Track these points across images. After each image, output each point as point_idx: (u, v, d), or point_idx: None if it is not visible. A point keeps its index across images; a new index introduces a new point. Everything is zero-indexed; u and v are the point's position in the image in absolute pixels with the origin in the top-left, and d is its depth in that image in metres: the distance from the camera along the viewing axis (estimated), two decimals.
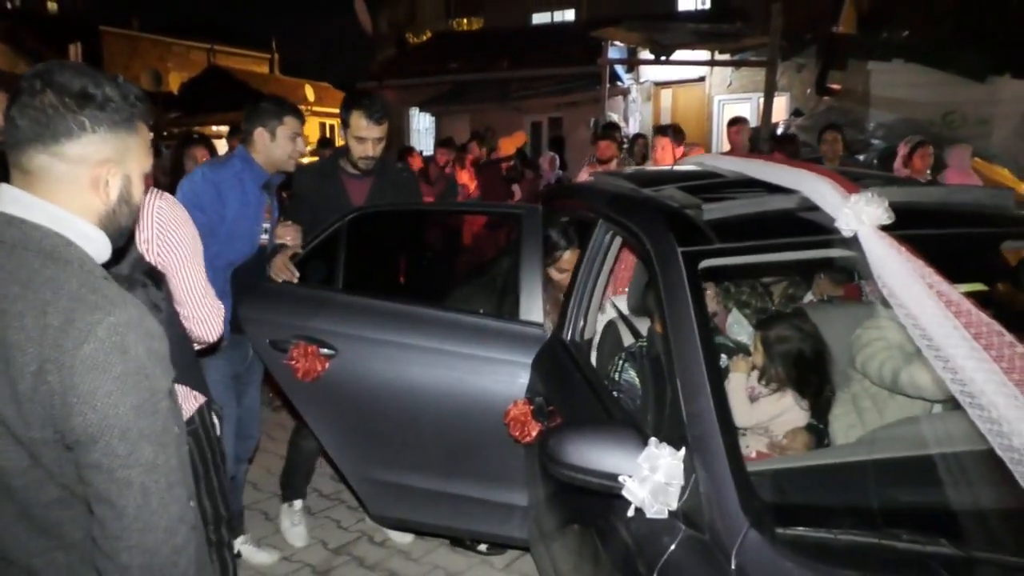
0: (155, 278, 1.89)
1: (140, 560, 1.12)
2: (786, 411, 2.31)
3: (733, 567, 1.36)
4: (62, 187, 1.18)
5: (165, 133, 16.86)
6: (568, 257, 2.86)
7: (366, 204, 3.24)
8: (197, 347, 2.23)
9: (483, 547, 3.31)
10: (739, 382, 2.35)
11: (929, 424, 1.92)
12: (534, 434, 2.33)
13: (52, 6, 30.88)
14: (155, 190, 2.09)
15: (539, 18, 18.87)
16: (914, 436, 1.87)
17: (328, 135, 18.76)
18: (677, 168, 3.23)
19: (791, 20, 8.81)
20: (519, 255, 2.79)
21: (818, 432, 2.31)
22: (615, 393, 2.30)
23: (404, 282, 3.57)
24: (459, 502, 2.76)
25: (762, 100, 9.10)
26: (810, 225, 1.88)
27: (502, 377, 2.59)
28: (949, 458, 1.53)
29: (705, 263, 1.88)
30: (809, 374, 2.29)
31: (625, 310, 2.82)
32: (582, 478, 1.62)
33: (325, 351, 2.75)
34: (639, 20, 11.77)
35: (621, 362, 2.45)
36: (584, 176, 5.28)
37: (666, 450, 1.54)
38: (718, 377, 1.68)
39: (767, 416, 2.32)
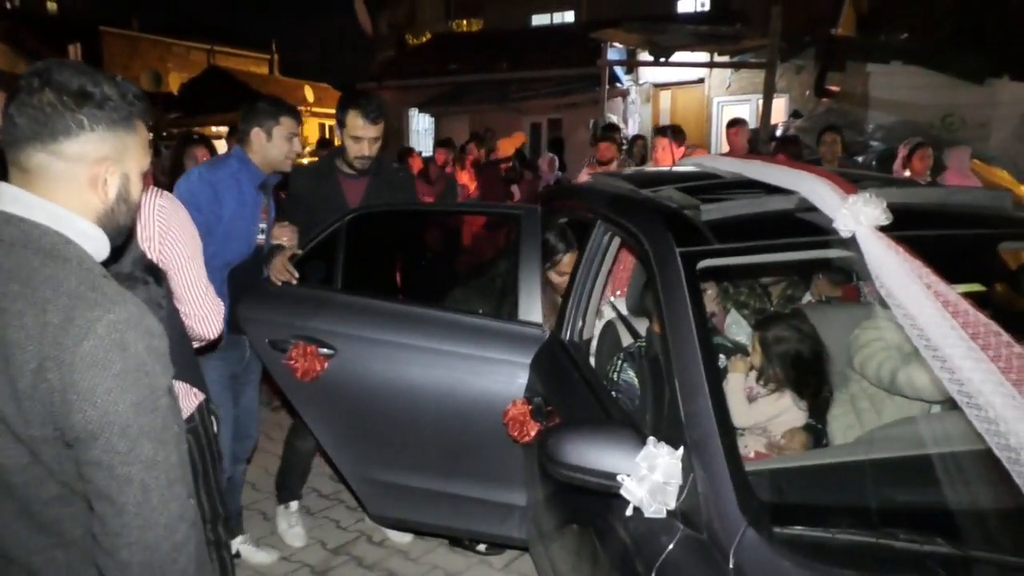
0: (156, 276, 1.90)
1: (140, 557, 1.12)
2: (784, 411, 2.31)
3: (731, 566, 1.36)
4: (61, 185, 1.19)
5: (165, 133, 16.86)
6: (567, 260, 2.87)
7: (362, 204, 3.24)
8: (196, 345, 2.24)
9: (482, 547, 3.31)
10: (737, 382, 2.36)
11: (926, 424, 1.93)
12: (533, 434, 2.34)
13: (52, 6, 30.88)
14: (156, 189, 2.10)
15: (539, 19, 18.90)
16: (911, 436, 1.87)
17: (328, 136, 18.75)
18: (675, 169, 3.24)
19: (790, 22, 8.83)
20: (518, 256, 2.79)
21: (816, 432, 2.32)
22: (614, 393, 2.30)
23: (403, 282, 3.57)
24: (458, 502, 2.76)
25: (761, 102, 9.12)
26: (808, 226, 1.88)
27: (501, 377, 2.59)
28: (946, 458, 1.53)
29: (703, 263, 1.89)
30: (807, 375, 2.30)
31: (624, 311, 2.83)
32: (580, 477, 1.62)
33: (324, 351, 2.75)
34: (638, 22, 11.78)
35: (620, 362, 2.45)
36: (584, 177, 5.28)
37: (664, 449, 1.55)
38: (716, 377, 1.68)
39: (765, 416, 2.32)
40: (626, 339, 2.63)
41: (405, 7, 19.49)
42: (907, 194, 2.13)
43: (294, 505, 3.48)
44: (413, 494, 2.82)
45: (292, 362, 2.74)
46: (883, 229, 1.61)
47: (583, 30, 13.74)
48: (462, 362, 2.65)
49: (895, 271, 1.50)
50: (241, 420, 3.13)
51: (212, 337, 2.24)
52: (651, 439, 1.57)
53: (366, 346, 2.76)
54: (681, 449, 1.55)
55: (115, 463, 1.10)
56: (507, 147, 10.11)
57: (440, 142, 9.92)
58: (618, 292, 3.03)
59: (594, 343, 2.70)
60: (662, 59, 11.39)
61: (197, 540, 1.20)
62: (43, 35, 23.24)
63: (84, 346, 1.08)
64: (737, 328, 2.90)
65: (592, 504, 1.81)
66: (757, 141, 7.99)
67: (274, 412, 4.74)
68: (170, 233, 2.05)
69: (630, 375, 2.41)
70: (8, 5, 28.43)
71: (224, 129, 12.12)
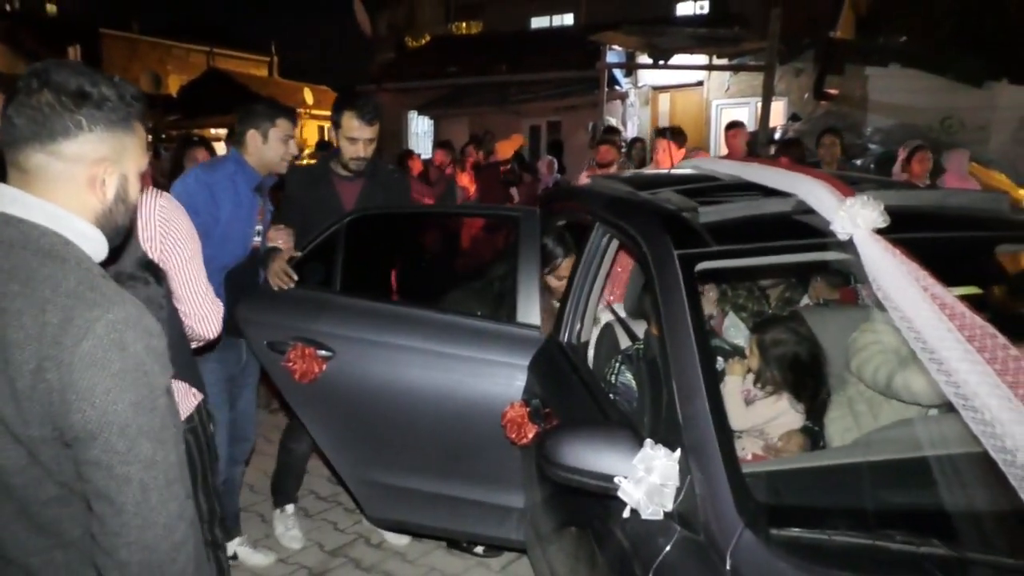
0: (157, 275, 1.92)
1: (139, 556, 1.12)
2: (781, 414, 2.32)
3: (728, 568, 1.36)
4: (59, 186, 1.19)
5: (164, 136, 16.88)
6: (565, 265, 2.87)
7: (356, 206, 3.24)
8: (194, 345, 2.25)
9: (480, 549, 3.31)
10: (735, 385, 2.36)
11: (923, 426, 1.93)
12: (531, 436, 2.34)
13: (51, 8, 30.89)
14: (156, 190, 2.12)
15: (538, 22, 18.92)
16: (908, 438, 1.87)
17: (327, 138, 18.77)
18: (674, 171, 3.25)
19: (789, 25, 8.83)
20: (517, 258, 2.79)
21: (813, 435, 2.32)
22: (611, 396, 2.31)
23: (402, 284, 3.57)
24: (456, 504, 2.76)
25: (760, 104, 9.12)
26: (806, 228, 1.89)
27: (499, 379, 2.59)
28: (943, 460, 1.54)
29: (701, 266, 1.89)
30: (804, 377, 2.30)
31: (622, 313, 2.83)
32: (578, 479, 1.63)
33: (323, 353, 2.75)
34: (637, 24, 11.81)
35: (618, 365, 2.46)
36: (584, 180, 5.29)
37: (661, 451, 1.55)
38: (714, 379, 1.68)
39: (762, 419, 2.32)
40: (624, 341, 2.64)
41: (404, 9, 19.51)
42: (904, 197, 2.13)
43: (290, 508, 3.48)
44: (411, 496, 2.82)
45: (290, 364, 2.74)
46: (881, 232, 1.62)
47: (582, 33, 13.75)
48: (460, 364, 2.66)
49: (892, 274, 1.50)
50: (239, 422, 3.13)
51: (211, 337, 2.25)
52: (648, 441, 1.57)
53: (365, 348, 2.76)
54: (678, 451, 1.56)
55: (114, 463, 1.10)
56: (505, 149, 10.11)
57: (439, 143, 9.93)
58: (611, 298, 3.03)
59: (592, 345, 2.71)
60: (661, 62, 11.41)
61: (196, 540, 1.20)
62: (42, 37, 23.27)
63: (83, 346, 1.08)
64: (735, 331, 2.91)
65: (590, 506, 1.82)
66: (756, 144, 7.99)
67: (272, 414, 4.74)
68: (171, 233, 2.06)
69: (628, 377, 2.41)
70: (8, 7, 28.44)
71: (223, 131, 12.14)
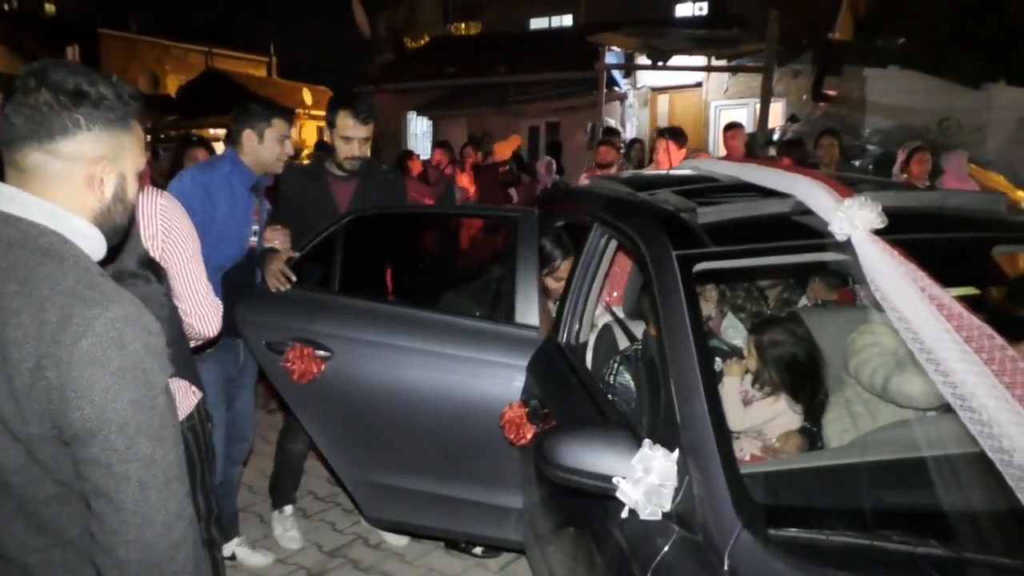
0: (158, 274, 1.93)
1: (138, 555, 1.12)
2: (779, 415, 2.32)
3: (726, 568, 1.36)
4: (57, 185, 1.19)
5: (163, 136, 16.87)
6: (564, 267, 2.87)
7: (351, 206, 3.24)
8: (193, 344, 2.25)
9: (478, 550, 3.31)
10: (733, 385, 2.36)
11: (921, 427, 1.93)
12: (529, 437, 2.34)
13: (50, 8, 30.86)
14: (156, 189, 2.13)
15: (537, 23, 18.94)
16: (906, 439, 1.88)
17: (326, 139, 18.73)
18: (672, 172, 3.25)
19: (788, 26, 8.84)
20: (515, 258, 2.79)
21: (811, 436, 2.32)
22: (610, 396, 2.31)
23: (400, 285, 3.58)
24: (455, 505, 2.76)
25: (758, 106, 9.12)
26: (804, 229, 1.89)
27: (498, 380, 2.59)
28: (940, 460, 1.54)
29: (700, 266, 1.90)
30: (802, 378, 2.30)
31: (620, 314, 2.83)
32: (576, 479, 1.63)
33: (321, 353, 2.75)
34: (636, 26, 11.81)
35: (616, 365, 2.46)
36: (584, 181, 5.30)
37: (660, 452, 1.55)
38: (712, 380, 1.69)
39: (760, 420, 2.33)
40: (623, 342, 2.64)
41: (403, 10, 19.52)
42: (902, 198, 2.14)
43: (288, 509, 3.48)
44: (410, 496, 2.82)
45: (289, 364, 2.74)
46: (878, 232, 1.62)
47: (581, 34, 13.77)
48: (459, 365, 2.66)
49: (890, 274, 1.50)
50: (237, 423, 3.13)
51: (211, 335, 2.26)
52: (647, 441, 1.57)
53: (363, 348, 2.76)
54: (676, 451, 1.56)
55: (113, 461, 1.10)
56: (503, 150, 10.10)
57: (437, 143, 9.94)
58: (609, 298, 3.03)
59: (591, 346, 2.71)
60: (660, 63, 11.40)
61: (194, 538, 1.20)
62: (41, 37, 23.25)
63: (82, 344, 1.08)
64: (734, 331, 2.91)
65: (588, 506, 1.82)
66: (754, 145, 8.00)
67: (270, 414, 4.74)
68: (173, 232, 2.08)
69: (626, 378, 2.42)
70: (6, 6, 28.42)
71: (222, 131, 12.14)
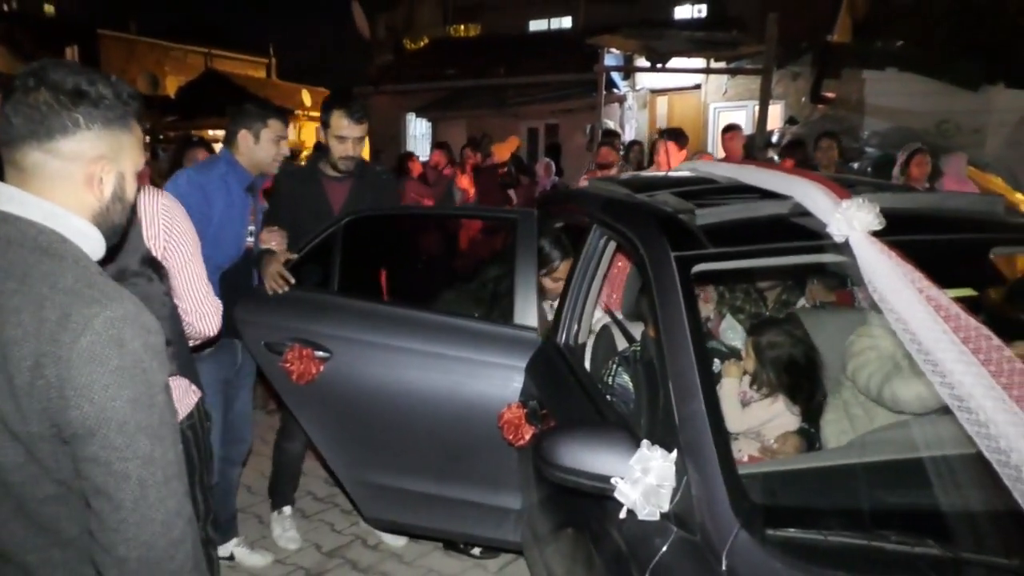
0: (159, 273, 1.94)
1: (137, 553, 1.12)
2: (777, 416, 2.32)
3: (724, 568, 1.37)
4: (56, 184, 1.19)
5: (162, 137, 16.86)
6: (562, 268, 2.88)
7: (345, 207, 3.24)
8: (192, 343, 2.26)
9: (477, 551, 3.31)
10: (731, 387, 2.37)
11: (918, 428, 1.94)
12: (528, 437, 2.34)
13: (49, 9, 30.83)
14: (157, 189, 2.14)
15: (536, 25, 18.93)
16: (903, 439, 1.88)
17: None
18: (671, 174, 3.25)
19: (786, 29, 8.84)
20: (514, 259, 2.80)
21: (809, 436, 2.33)
22: (609, 397, 2.31)
23: (399, 286, 3.58)
24: (453, 505, 2.76)
25: (757, 108, 9.13)
26: (802, 230, 1.90)
27: (496, 381, 2.59)
28: (938, 461, 1.54)
29: (698, 268, 1.90)
30: (800, 380, 2.31)
31: (619, 315, 2.84)
32: (575, 480, 1.63)
33: (320, 354, 2.76)
34: (636, 28, 11.82)
35: (615, 366, 2.46)
36: (584, 183, 5.30)
37: (658, 452, 1.55)
38: (710, 380, 1.69)
39: (758, 421, 2.33)
40: (621, 343, 2.64)
41: (403, 12, 19.52)
42: (900, 199, 2.14)
43: (287, 510, 3.48)
44: (408, 497, 2.82)
45: (288, 365, 2.74)
46: (876, 234, 1.63)
47: (580, 36, 13.77)
48: (458, 365, 2.66)
49: (888, 275, 1.51)
50: (235, 424, 3.13)
51: (211, 334, 2.26)
52: (645, 442, 1.58)
53: (362, 349, 2.77)
54: (675, 452, 1.56)
55: (112, 459, 1.10)
56: (501, 152, 10.11)
57: (436, 144, 9.95)
58: (608, 300, 3.03)
59: (589, 347, 2.71)
60: (659, 65, 11.41)
61: (194, 537, 1.20)
62: (40, 38, 23.22)
63: (81, 342, 1.09)
64: (732, 333, 2.92)
65: (586, 507, 1.82)
66: (753, 147, 8.01)
67: (269, 415, 4.74)
68: (174, 232, 2.09)
69: (625, 379, 2.42)
70: (5, 7, 28.40)
71: (222, 132, 12.09)
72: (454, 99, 15.70)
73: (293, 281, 2.91)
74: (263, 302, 2.93)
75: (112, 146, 1.23)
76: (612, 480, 1.56)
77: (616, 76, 13.56)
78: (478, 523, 2.79)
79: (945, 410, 1.36)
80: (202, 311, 2.18)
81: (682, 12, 16.50)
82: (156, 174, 5.76)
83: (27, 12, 28.75)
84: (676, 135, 6.64)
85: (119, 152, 1.24)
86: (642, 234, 2.07)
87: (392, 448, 2.81)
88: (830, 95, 10.38)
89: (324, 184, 3.31)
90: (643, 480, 1.53)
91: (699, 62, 12.09)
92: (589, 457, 1.61)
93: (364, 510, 2.97)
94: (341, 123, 3.18)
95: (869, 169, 8.30)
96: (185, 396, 2.04)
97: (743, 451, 2.32)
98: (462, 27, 19.34)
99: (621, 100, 13.96)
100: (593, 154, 7.36)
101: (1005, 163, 8.55)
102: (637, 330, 2.60)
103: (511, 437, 2.38)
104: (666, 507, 1.53)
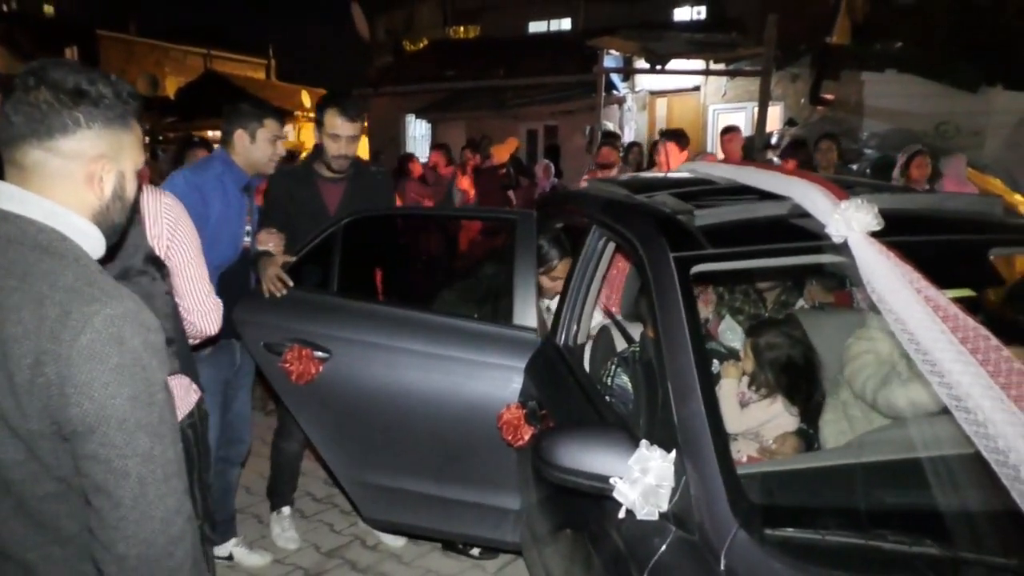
0: (162, 271, 1.95)
1: (137, 550, 1.12)
2: (776, 417, 2.33)
3: (722, 568, 1.37)
4: (57, 182, 1.19)
5: (161, 137, 16.86)
6: (561, 267, 2.88)
7: (340, 207, 3.24)
8: (192, 342, 2.26)
9: (476, 551, 3.31)
10: (730, 387, 2.37)
11: (916, 428, 1.94)
12: (527, 438, 2.34)
13: (48, 9, 30.82)
14: (158, 189, 2.15)
15: (535, 27, 18.94)
16: (901, 439, 1.88)
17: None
18: (670, 175, 3.26)
19: (786, 30, 8.85)
20: (513, 260, 2.80)
21: (808, 437, 2.33)
22: (608, 398, 2.31)
23: (399, 286, 3.58)
24: (452, 506, 2.76)
25: (756, 109, 9.15)
26: (801, 231, 1.90)
27: (496, 381, 2.60)
28: (936, 461, 1.54)
29: (697, 268, 1.90)
30: (799, 380, 2.31)
31: (618, 316, 2.84)
32: (573, 480, 1.63)
33: (319, 354, 2.76)
34: (635, 29, 11.84)
35: (614, 367, 2.46)
36: (585, 183, 5.30)
37: (657, 452, 1.55)
38: (709, 381, 1.69)
39: (757, 422, 2.33)
40: (620, 344, 2.65)
41: (402, 13, 19.55)
42: (899, 200, 2.15)
43: (286, 511, 3.48)
44: (407, 498, 2.82)
45: (287, 365, 2.74)
46: (875, 235, 1.63)
47: (580, 37, 13.79)
48: (457, 366, 2.66)
49: (886, 276, 1.51)
50: (234, 425, 3.13)
51: (212, 333, 2.27)
52: (644, 442, 1.58)
53: (361, 349, 2.77)
54: (673, 452, 1.56)
55: (112, 456, 1.10)
56: (500, 153, 10.11)
57: (435, 145, 9.96)
58: (607, 301, 3.03)
59: (588, 348, 2.72)
60: (658, 67, 11.42)
61: (193, 535, 1.20)
62: (40, 38, 23.18)
63: (81, 340, 1.09)
64: (731, 334, 2.92)
65: (585, 507, 1.82)
66: (752, 149, 8.02)
67: (268, 416, 4.73)
68: (178, 231, 2.11)
69: (624, 380, 2.42)
70: (4, 7, 28.38)
71: (220, 134, 12.11)
72: (454, 100, 15.71)
73: (291, 284, 2.91)
74: (262, 302, 2.93)
75: (112, 145, 1.23)
76: (611, 480, 1.56)
77: (615, 78, 13.56)
78: (477, 523, 2.79)
79: (943, 411, 1.37)
80: (204, 310, 2.19)
81: (681, 14, 16.52)
82: (156, 175, 5.76)
83: (27, 12, 28.73)
84: (677, 136, 6.64)
85: (119, 151, 1.25)
86: (641, 235, 2.08)
87: (391, 448, 2.81)
88: (829, 97, 10.39)
89: (319, 185, 3.30)
90: (642, 480, 1.53)
91: (698, 64, 12.10)
92: (588, 457, 1.61)
93: (363, 510, 2.97)
94: (335, 121, 3.17)
95: (868, 170, 8.30)
96: (186, 395, 2.04)
97: (742, 452, 2.32)
98: (461, 29, 19.36)
99: (620, 102, 13.96)
100: (593, 155, 7.37)
101: (1004, 165, 8.56)
102: (636, 331, 2.60)
103: (510, 437, 2.38)
104: (665, 507, 1.53)
